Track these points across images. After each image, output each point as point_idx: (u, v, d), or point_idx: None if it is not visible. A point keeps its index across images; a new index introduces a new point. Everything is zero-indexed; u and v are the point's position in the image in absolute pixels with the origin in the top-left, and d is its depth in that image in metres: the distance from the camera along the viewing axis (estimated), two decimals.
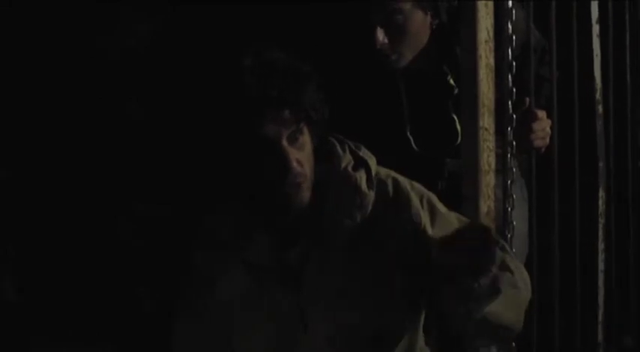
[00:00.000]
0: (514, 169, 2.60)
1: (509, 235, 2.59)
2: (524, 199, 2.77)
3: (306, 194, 2.23)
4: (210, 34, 2.95)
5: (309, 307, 2.28)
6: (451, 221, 2.34)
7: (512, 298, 2.25)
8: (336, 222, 2.26)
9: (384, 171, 2.34)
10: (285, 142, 2.18)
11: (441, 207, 2.35)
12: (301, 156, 2.21)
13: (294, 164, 2.18)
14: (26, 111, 2.94)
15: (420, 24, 2.66)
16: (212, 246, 2.33)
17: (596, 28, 2.97)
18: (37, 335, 2.82)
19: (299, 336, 2.29)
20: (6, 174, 2.87)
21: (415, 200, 2.31)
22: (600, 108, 3.05)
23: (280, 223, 2.28)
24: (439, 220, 2.32)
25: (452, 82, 2.73)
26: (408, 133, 2.76)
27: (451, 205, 2.53)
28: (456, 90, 2.71)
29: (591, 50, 2.98)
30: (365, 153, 2.33)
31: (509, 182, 2.59)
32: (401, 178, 2.35)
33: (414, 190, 2.33)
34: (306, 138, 2.23)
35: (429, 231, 2.30)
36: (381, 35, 2.62)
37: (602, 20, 2.97)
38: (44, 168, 2.92)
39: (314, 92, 2.23)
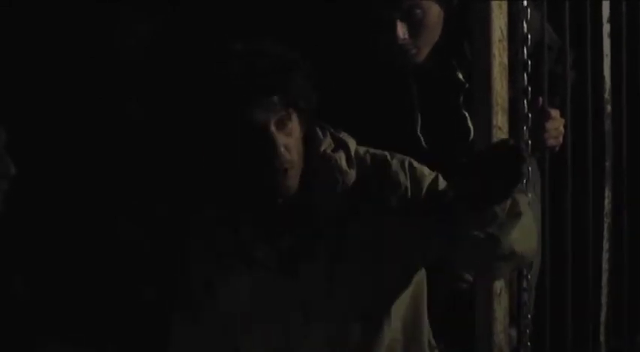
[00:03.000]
0: (528, 168, 2.60)
1: None
2: (536, 198, 2.76)
3: (293, 180, 2.25)
4: (211, 29, 2.95)
5: (307, 295, 2.30)
6: (435, 181, 2.35)
7: (529, 224, 2.27)
8: (321, 204, 2.29)
9: (362, 150, 2.37)
10: (273, 128, 2.20)
11: (421, 169, 2.37)
12: (289, 142, 2.23)
13: (282, 149, 2.21)
14: (25, 112, 2.92)
15: (436, 18, 2.66)
16: (208, 243, 2.35)
17: (606, 28, 2.96)
18: (42, 335, 2.81)
19: (300, 325, 2.31)
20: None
21: (395, 165, 2.34)
22: (609, 108, 3.04)
23: (270, 211, 2.29)
24: (422, 181, 2.34)
25: (461, 76, 2.72)
26: (419, 132, 2.75)
27: None
28: (467, 86, 2.71)
29: (602, 50, 2.97)
30: (345, 135, 2.36)
31: (523, 181, 2.59)
32: (379, 152, 2.37)
33: (396, 158, 2.36)
34: (294, 125, 2.25)
35: (409, 193, 2.32)
36: (402, 30, 2.62)
37: (613, 19, 2.97)
38: (46, 168, 2.91)
39: (302, 79, 2.25)
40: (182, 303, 2.37)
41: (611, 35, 2.97)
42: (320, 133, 2.34)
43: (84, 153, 2.91)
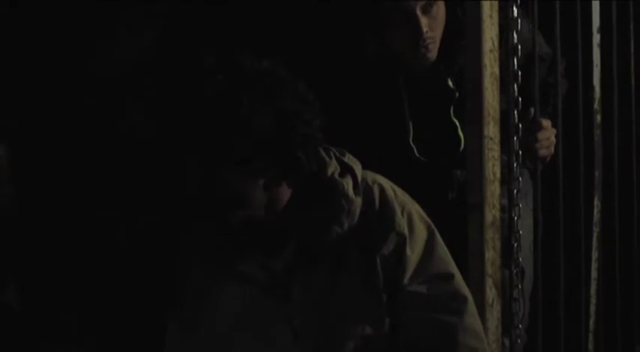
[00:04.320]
0: (520, 178, 2.61)
1: (515, 244, 2.60)
2: (529, 208, 2.77)
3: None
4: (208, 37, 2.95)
5: (297, 317, 2.28)
6: (422, 243, 2.33)
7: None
8: (324, 229, 2.26)
9: (370, 177, 2.33)
10: None
11: (417, 224, 2.34)
12: None
13: None
14: (23, 114, 2.92)
15: (444, 14, 2.67)
16: (202, 258, 2.33)
17: (596, 38, 2.97)
18: (41, 342, 2.81)
19: (288, 346, 2.29)
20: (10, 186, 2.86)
21: (398, 210, 2.31)
22: (598, 118, 3.05)
23: (258, 230, 2.27)
24: (413, 238, 2.32)
25: (451, 83, 2.72)
26: (411, 142, 2.75)
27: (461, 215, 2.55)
28: (457, 94, 2.71)
29: (591, 60, 2.98)
30: (350, 158, 2.32)
31: (515, 191, 2.60)
32: (386, 185, 2.34)
33: (397, 199, 2.32)
34: None
35: (408, 246, 2.31)
36: (425, 22, 2.62)
37: (603, 29, 2.98)
38: (42, 176, 2.90)
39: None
40: (178, 311, 2.37)
41: (601, 45, 2.98)
42: (324, 155, 2.31)
43: (80, 160, 2.90)
